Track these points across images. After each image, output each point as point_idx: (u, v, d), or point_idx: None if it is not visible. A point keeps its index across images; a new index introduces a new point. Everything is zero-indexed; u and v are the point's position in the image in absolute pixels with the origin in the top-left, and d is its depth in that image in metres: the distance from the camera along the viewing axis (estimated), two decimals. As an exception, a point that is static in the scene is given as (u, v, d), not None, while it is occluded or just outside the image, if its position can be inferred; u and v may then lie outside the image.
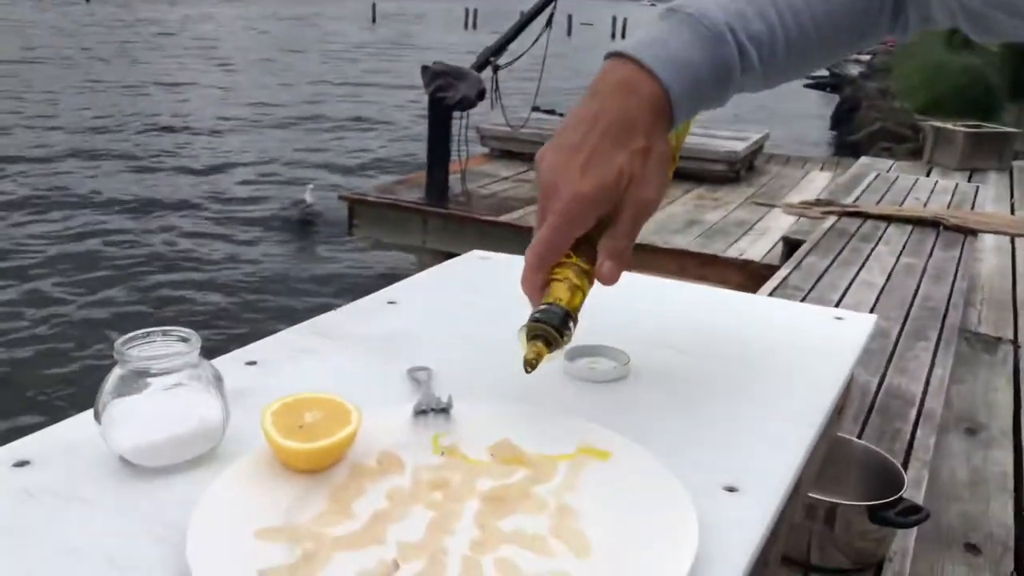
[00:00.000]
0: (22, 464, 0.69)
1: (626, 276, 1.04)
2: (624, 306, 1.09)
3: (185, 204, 6.91)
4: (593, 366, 0.89)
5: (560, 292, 0.74)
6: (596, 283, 0.77)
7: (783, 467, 0.72)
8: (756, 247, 5.45)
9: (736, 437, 0.77)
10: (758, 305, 1.15)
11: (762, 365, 0.92)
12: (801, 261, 3.86)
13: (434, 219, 6.11)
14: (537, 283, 0.75)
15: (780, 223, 5.81)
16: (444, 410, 0.75)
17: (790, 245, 4.86)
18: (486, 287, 1.15)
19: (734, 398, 0.85)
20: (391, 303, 1.08)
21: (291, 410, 0.67)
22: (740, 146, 7.30)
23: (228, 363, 0.89)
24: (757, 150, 7.89)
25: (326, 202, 7.03)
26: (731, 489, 0.69)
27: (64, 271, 5.53)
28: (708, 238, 5.62)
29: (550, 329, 0.72)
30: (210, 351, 0.75)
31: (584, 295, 0.76)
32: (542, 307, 0.73)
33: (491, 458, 0.70)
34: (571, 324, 0.74)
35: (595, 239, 0.76)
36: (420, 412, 0.74)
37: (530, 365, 0.72)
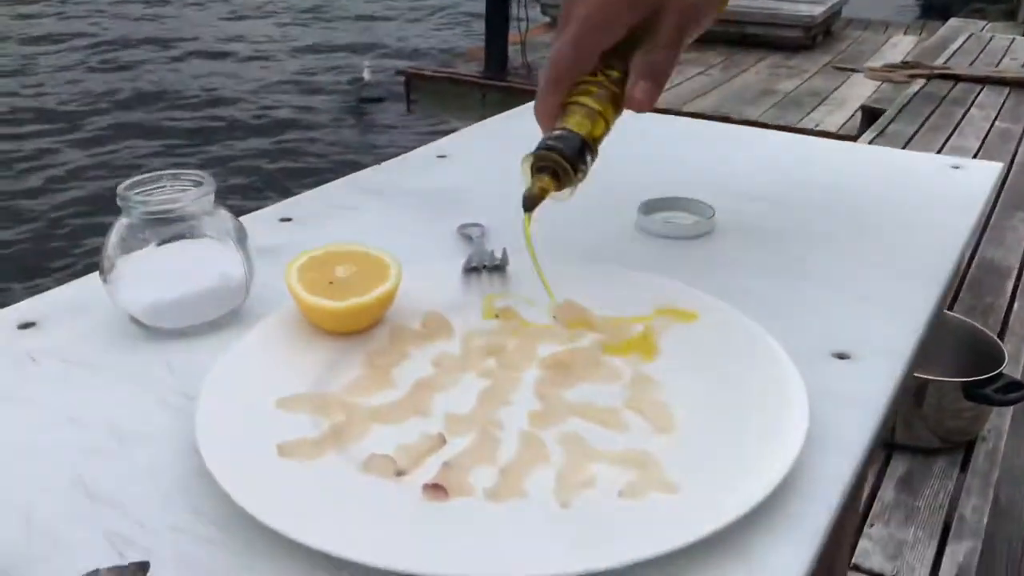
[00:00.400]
0: (27, 326, 0.61)
1: (707, 123, 0.88)
2: (706, 153, 0.97)
3: (238, 79, 6.78)
4: (672, 220, 0.77)
5: (577, 118, 0.59)
6: (629, 112, 0.63)
7: (905, 331, 0.60)
8: (833, 118, 5.14)
9: (845, 298, 0.65)
10: (860, 154, 1.00)
11: (871, 218, 0.79)
12: (884, 128, 3.61)
13: (493, 92, 5.90)
14: (552, 107, 0.61)
15: (859, 91, 5.46)
16: (499, 267, 0.64)
17: (869, 114, 4.57)
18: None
19: (840, 255, 0.72)
20: (441, 157, 0.97)
21: (321, 264, 0.58)
22: (817, 10, 6.82)
23: (260, 220, 0.80)
24: (835, 14, 7.37)
25: (384, 79, 6.85)
26: (842, 356, 0.58)
27: (97, 132, 5.34)
28: (782, 109, 5.32)
29: (561, 160, 0.58)
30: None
31: (608, 124, 0.61)
32: (554, 133, 0.59)
33: (554, 321, 0.59)
34: (588, 157, 0.60)
35: (627, 55, 0.61)
36: (471, 270, 0.64)
37: (531, 202, 0.58)
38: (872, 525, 1.43)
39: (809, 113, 5.24)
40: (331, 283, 0.56)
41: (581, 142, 0.59)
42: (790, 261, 0.71)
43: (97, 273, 0.60)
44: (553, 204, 0.60)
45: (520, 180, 0.60)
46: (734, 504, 0.41)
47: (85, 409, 0.52)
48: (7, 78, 6.31)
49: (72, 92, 6.07)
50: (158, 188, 0.59)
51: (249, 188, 4.23)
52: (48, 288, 0.66)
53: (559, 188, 0.59)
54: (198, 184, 0.59)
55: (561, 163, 0.58)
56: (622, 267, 0.65)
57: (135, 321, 0.59)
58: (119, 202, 0.58)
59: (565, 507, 0.42)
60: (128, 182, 0.59)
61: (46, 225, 4.02)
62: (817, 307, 0.64)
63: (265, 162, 4.73)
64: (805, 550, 0.41)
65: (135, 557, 0.41)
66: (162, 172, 0.60)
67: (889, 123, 3.69)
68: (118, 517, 0.44)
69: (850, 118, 5.03)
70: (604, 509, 0.42)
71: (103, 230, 0.59)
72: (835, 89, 5.68)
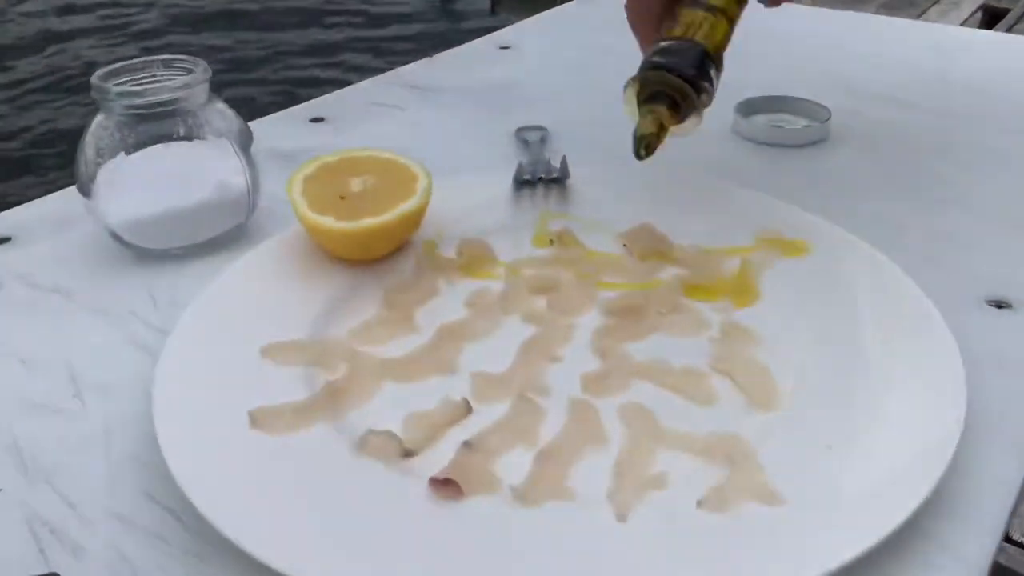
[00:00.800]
0: (1, 242, 0.52)
1: (819, 10, 0.73)
2: (819, 43, 0.81)
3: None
4: (777, 124, 0.63)
5: (691, 19, 0.43)
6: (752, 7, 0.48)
7: (1090, 274, 0.46)
8: (949, 19, 4.72)
9: (1000, 228, 0.51)
10: (1014, 46, 0.82)
11: (1032, 124, 0.63)
12: (1011, 29, 3.26)
13: (581, -8, 5.61)
14: (653, 6, 0.45)
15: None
16: (557, 180, 0.52)
17: (991, 15, 4.16)
18: (627, 28, 0.88)
19: (992, 172, 0.57)
20: (504, 48, 0.83)
21: (333, 174, 0.46)
22: None
23: (288, 120, 0.69)
24: (959, -98, 6.74)
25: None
26: (1000, 304, 0.44)
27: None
28: (891, 9, 4.91)
29: (679, 81, 0.42)
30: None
31: (731, 24, 0.45)
32: (662, 46, 0.43)
33: (623, 250, 0.47)
34: (712, 72, 0.43)
35: None
36: (523, 182, 0.52)
37: (646, 143, 0.42)
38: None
39: (923, 13, 4.83)
40: (343, 198, 0.45)
41: (701, 54, 0.43)
42: (926, 179, 0.56)
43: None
44: (620, 108, 0.46)
45: (622, 109, 0.45)
46: (864, 526, 0.29)
47: (43, 348, 0.43)
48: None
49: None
50: (142, 78, 0.48)
51: (300, 86, 3.90)
52: (31, 199, 0.57)
53: (679, 120, 0.43)
54: (189, 72, 0.48)
55: (680, 85, 0.42)
56: (713, 180, 0.51)
57: (117, 239, 0.49)
58: (95, 95, 0.47)
59: (622, 520, 0.30)
60: (104, 70, 0.48)
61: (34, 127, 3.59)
62: (964, 239, 0.50)
63: (326, 58, 4.44)
64: (967, 597, 0.29)
65: (58, 556, 0.32)
66: (148, 59, 0.49)
67: (1015, 24, 3.33)
68: (50, 498, 0.34)
69: (969, 18, 4.61)
70: (677, 526, 0.30)
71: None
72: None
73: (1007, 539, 1.17)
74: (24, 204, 0.56)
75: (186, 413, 0.35)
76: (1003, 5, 4.16)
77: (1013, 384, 0.38)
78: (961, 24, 4.57)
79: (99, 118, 0.48)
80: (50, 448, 0.37)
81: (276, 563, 0.28)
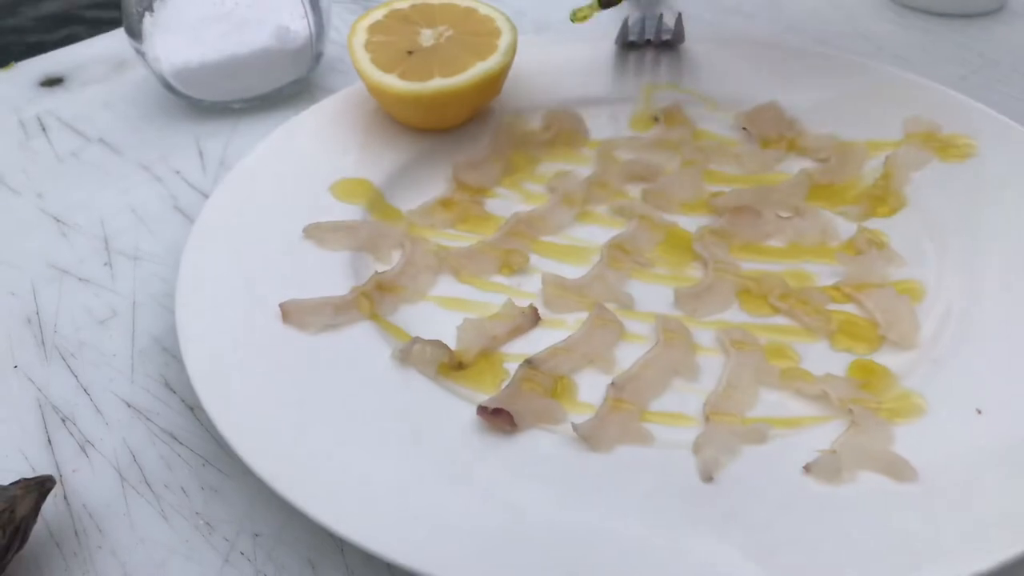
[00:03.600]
0: (53, 82, 0.48)
1: None
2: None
3: None
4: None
5: None
6: None
7: None
8: None
9: None
10: None
11: None
12: None
13: None
14: None
15: None
16: (668, 43, 0.43)
17: None
18: None
19: None
20: None
21: (402, 22, 0.39)
22: None
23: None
24: None
25: None
26: None
27: None
28: None
29: None
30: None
31: None
32: None
33: (743, 134, 0.39)
34: None
35: None
36: (628, 44, 0.44)
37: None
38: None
39: None
40: (411, 53, 0.38)
41: None
42: None
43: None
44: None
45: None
46: (1013, 527, 0.22)
47: (79, 207, 0.39)
48: None
49: None
50: None
51: None
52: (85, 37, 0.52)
53: None
54: None
55: None
56: (860, 57, 0.42)
57: (168, 87, 0.44)
58: None
59: (708, 479, 0.24)
60: None
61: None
62: None
63: None
64: None
65: (67, 446, 0.28)
66: None
67: None
68: (66, 380, 0.31)
69: None
70: (775, 494, 0.24)
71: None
72: None
73: None
74: (79, 43, 0.52)
75: (211, 298, 0.30)
76: None
77: None
78: None
79: None
80: (71, 322, 0.33)
81: (286, 491, 0.24)
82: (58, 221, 0.38)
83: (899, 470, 0.24)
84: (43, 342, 0.32)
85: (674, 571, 0.22)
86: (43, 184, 0.40)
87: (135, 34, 0.43)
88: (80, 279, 0.35)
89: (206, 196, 0.39)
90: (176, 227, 0.37)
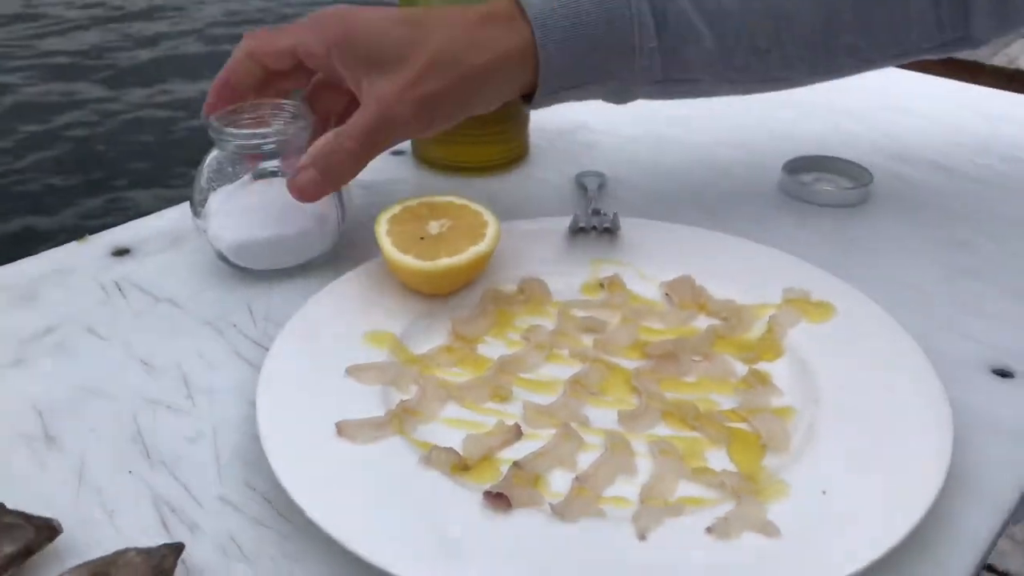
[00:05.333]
0: (122, 253, 0.60)
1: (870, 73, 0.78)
2: (866, 104, 0.85)
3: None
4: (821, 184, 0.68)
5: None
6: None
7: (1090, 351, 0.50)
8: (1030, 54, 4.63)
9: (1017, 299, 0.55)
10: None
11: (1063, 200, 0.67)
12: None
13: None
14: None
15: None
16: (608, 230, 0.58)
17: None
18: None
19: (1020, 242, 0.62)
20: (572, 91, 0.89)
21: (415, 216, 0.53)
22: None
23: (372, 151, 0.76)
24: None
25: None
26: (1004, 373, 0.49)
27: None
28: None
29: None
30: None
31: None
32: None
33: (665, 299, 0.53)
34: None
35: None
36: (578, 230, 0.58)
37: None
38: (1015, 524, 1.30)
39: (1004, 48, 4.74)
40: (422, 239, 0.51)
41: None
42: (956, 246, 0.61)
43: (186, 205, 0.58)
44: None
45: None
46: (844, 561, 0.34)
47: (160, 352, 0.50)
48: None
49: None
50: (252, 119, 0.56)
51: None
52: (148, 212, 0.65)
53: None
54: (295, 117, 0.55)
55: None
56: (751, 241, 0.57)
57: (223, 259, 0.56)
58: (211, 134, 0.54)
59: (642, 538, 0.36)
60: (222, 112, 0.55)
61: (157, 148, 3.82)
62: (981, 309, 0.54)
63: None
64: (928, 630, 0.34)
65: (179, 530, 0.39)
66: (260, 102, 0.57)
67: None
68: (169, 482, 0.41)
69: (1050, 56, 4.51)
70: (687, 546, 0.36)
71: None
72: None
73: (988, 568, 1.20)
74: (142, 218, 0.64)
75: (283, 419, 0.42)
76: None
77: (1002, 449, 0.43)
78: (1041, 62, 4.48)
79: (214, 152, 0.55)
80: (167, 440, 0.44)
81: (353, 545, 0.34)
82: (144, 363, 0.49)
83: (769, 530, 0.36)
84: (148, 455, 0.43)
85: (620, 596, 0.33)
86: (127, 335, 0.52)
87: (198, 215, 0.56)
88: (169, 407, 0.46)
89: (259, 344, 0.50)
90: (239, 369, 0.49)
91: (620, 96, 0.59)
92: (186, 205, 0.64)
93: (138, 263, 0.59)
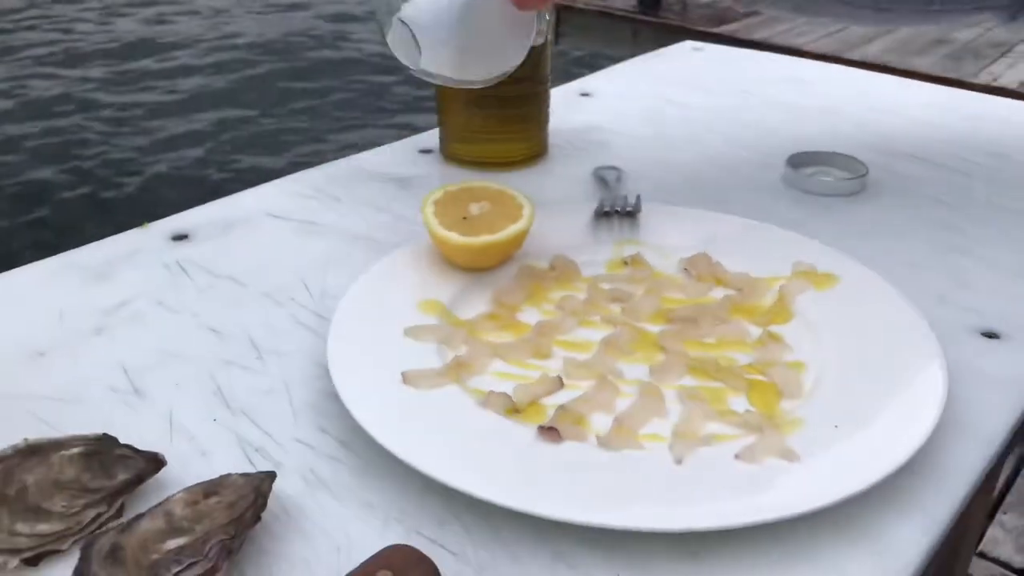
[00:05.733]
0: (180, 238, 0.65)
1: (861, 72, 0.83)
2: (864, 106, 0.91)
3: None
4: (820, 176, 0.74)
5: None
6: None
7: (1068, 314, 0.56)
8: (1015, 72, 4.74)
9: (1001, 274, 0.61)
10: (1038, 117, 0.92)
11: (1042, 188, 0.73)
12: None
13: (645, 29, 5.74)
14: None
15: (1048, 45, 5.01)
16: (630, 213, 0.63)
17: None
18: (698, 81, 1.00)
19: (1002, 227, 0.67)
20: (584, 95, 0.95)
21: (456, 199, 0.58)
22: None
23: (400, 150, 0.81)
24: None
25: (534, 10, 6.76)
26: (991, 335, 0.54)
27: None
28: (955, 60, 4.94)
29: None
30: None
31: None
32: None
33: (684, 274, 0.58)
34: None
35: None
36: (603, 214, 0.63)
37: None
38: (1006, 513, 1.35)
39: (988, 66, 4.86)
40: (465, 219, 0.56)
41: None
42: (945, 229, 0.67)
43: (242, 192, 0.63)
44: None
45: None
46: (854, 480, 0.39)
47: (227, 322, 0.55)
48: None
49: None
50: None
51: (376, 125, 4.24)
52: (199, 203, 0.70)
53: None
54: None
55: None
56: (762, 222, 0.62)
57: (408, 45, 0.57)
58: None
59: (679, 463, 0.41)
60: None
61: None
62: (969, 281, 0.60)
63: (398, 99, 4.72)
64: (926, 537, 0.39)
65: (264, 466, 0.43)
66: None
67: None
68: (251, 427, 0.46)
69: (1033, 72, 4.63)
70: (719, 469, 0.41)
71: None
72: (1021, 41, 5.22)
73: (979, 554, 1.25)
74: (196, 207, 0.69)
75: (353, 371, 0.47)
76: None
77: (989, 398, 0.49)
78: (1025, 77, 4.58)
79: None
80: (245, 394, 0.49)
81: (423, 466, 0.39)
82: (214, 331, 0.54)
83: (789, 455, 0.41)
84: (229, 406, 0.48)
85: (661, 502, 0.39)
86: (195, 307, 0.57)
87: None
88: (243, 367, 0.51)
89: (318, 315, 0.55)
90: (302, 336, 0.54)
91: None
92: (233, 196, 0.69)
93: (195, 246, 0.64)
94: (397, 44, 0.57)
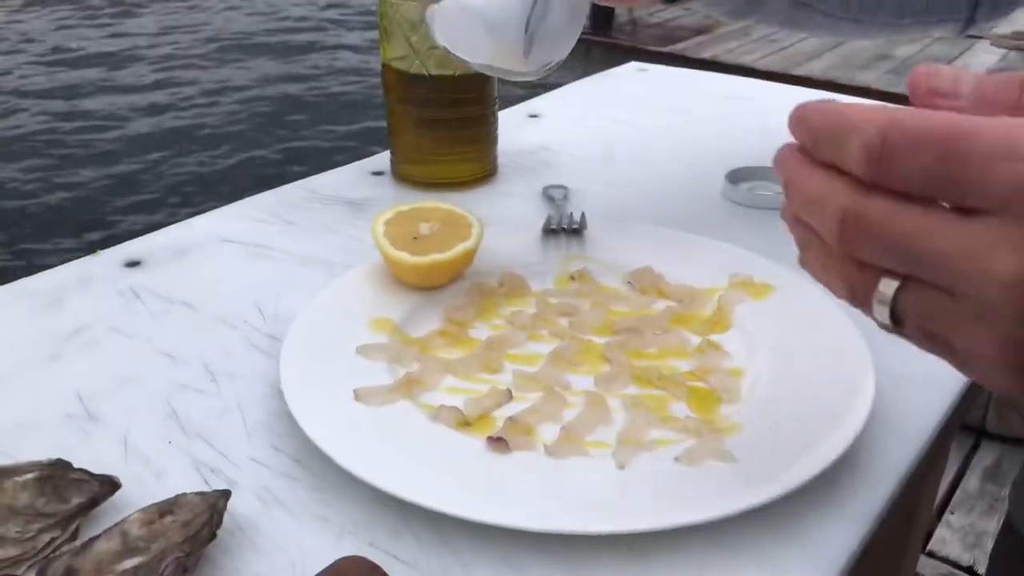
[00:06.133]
0: (133, 264, 0.66)
1: (801, 91, 0.87)
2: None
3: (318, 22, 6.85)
4: (758, 190, 0.76)
5: None
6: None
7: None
8: (953, 85, 4.87)
9: (930, 279, 0.64)
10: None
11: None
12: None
13: (597, 48, 5.82)
14: None
15: (982, 60, 5.18)
16: (576, 230, 0.65)
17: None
18: (643, 101, 1.02)
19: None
20: (533, 116, 0.98)
21: (407, 219, 0.60)
22: (945, -30, 6.45)
23: (353, 172, 0.83)
24: (965, -25, 6.96)
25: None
26: (919, 339, 0.57)
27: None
28: (898, 75, 5.08)
29: None
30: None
31: None
32: None
33: (628, 287, 0.60)
34: None
35: None
36: (550, 231, 0.65)
37: None
38: (952, 513, 1.39)
39: (929, 80, 4.98)
40: (415, 239, 0.58)
41: None
42: (877, 238, 0.70)
43: (192, 219, 0.64)
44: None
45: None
46: (789, 478, 0.41)
47: (181, 346, 0.56)
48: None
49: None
50: None
51: (341, 151, 4.26)
52: (151, 230, 0.70)
53: None
54: None
55: None
56: (700, 236, 0.65)
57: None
58: None
59: (622, 468, 0.43)
60: None
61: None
62: (900, 287, 0.63)
63: (348, 128, 4.74)
64: (857, 532, 0.41)
65: (219, 486, 0.44)
66: None
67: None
68: (205, 448, 0.47)
69: (972, 86, 4.76)
70: (660, 473, 0.43)
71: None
72: (957, 56, 5.39)
73: (928, 554, 1.29)
74: (148, 234, 0.70)
75: (306, 390, 0.48)
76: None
77: (918, 396, 0.51)
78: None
79: None
80: (199, 416, 0.50)
81: (376, 481, 0.41)
82: (168, 356, 0.55)
83: (727, 457, 0.43)
84: (183, 428, 0.49)
85: (607, 506, 0.40)
86: (149, 332, 0.58)
87: None
88: (197, 391, 0.52)
89: (271, 337, 0.56)
90: (256, 358, 0.55)
91: (750, 8, 0.67)
92: (187, 221, 0.70)
93: (148, 273, 0.65)
94: (455, 37, 0.57)
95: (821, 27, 0.71)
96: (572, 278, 0.61)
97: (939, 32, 0.73)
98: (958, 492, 1.44)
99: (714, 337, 0.54)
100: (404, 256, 0.57)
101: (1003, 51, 5.09)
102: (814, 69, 4.88)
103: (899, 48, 5.52)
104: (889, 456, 0.47)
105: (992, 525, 1.38)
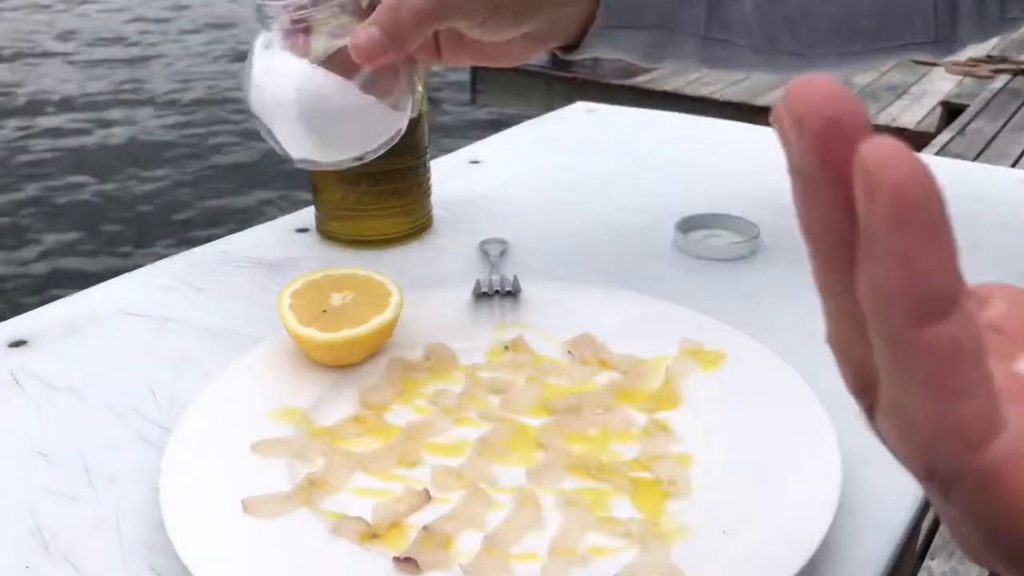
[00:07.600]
0: (18, 344, 0.59)
1: (758, 129, 0.82)
2: (754, 163, 0.90)
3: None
4: (710, 240, 0.71)
5: None
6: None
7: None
8: (910, 113, 4.92)
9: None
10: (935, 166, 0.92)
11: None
12: (965, 127, 3.45)
13: (558, 83, 5.83)
14: None
15: (938, 86, 5.23)
16: (510, 293, 0.59)
17: (950, 110, 4.37)
18: (590, 144, 0.97)
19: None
20: (474, 163, 0.92)
21: (317, 289, 0.54)
22: (898, 0, 6.55)
23: (275, 230, 0.76)
24: (917, 4, 7.07)
25: (448, 68, 6.83)
26: (888, 408, 0.51)
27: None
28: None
29: None
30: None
31: None
32: None
33: (567, 356, 0.54)
34: None
35: None
36: (481, 295, 0.59)
37: None
38: (933, 558, 1.34)
39: (886, 108, 5.04)
40: (325, 311, 0.52)
41: None
42: (839, 291, 0.64)
43: (87, 289, 0.57)
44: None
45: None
46: (746, 597, 0.35)
47: (59, 441, 0.49)
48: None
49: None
50: None
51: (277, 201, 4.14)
52: (40, 305, 0.64)
53: None
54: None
55: None
56: (647, 295, 0.59)
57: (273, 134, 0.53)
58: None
59: (552, 591, 0.37)
60: None
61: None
62: (865, 347, 0.57)
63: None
64: (827, 656, 0.35)
65: (78, 623, 0.37)
66: None
67: (970, 121, 3.52)
68: (69, 570, 0.40)
69: (928, 114, 4.82)
70: (596, 595, 0.36)
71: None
72: (914, 83, 5.45)
73: None
74: (36, 310, 0.63)
75: (188, 500, 0.41)
76: (961, 102, 4.38)
77: (893, 480, 0.45)
78: (922, 118, 4.78)
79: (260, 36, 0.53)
80: (68, 531, 0.43)
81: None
82: (42, 455, 0.48)
83: (673, 573, 0.37)
84: (47, 548, 0.42)
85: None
86: (24, 426, 0.51)
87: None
88: (70, 497, 0.45)
89: (164, 428, 0.50)
90: (143, 454, 0.48)
91: (659, 51, 0.62)
92: (80, 293, 0.63)
93: (34, 353, 0.58)
94: (268, 137, 0.53)
95: (752, 64, 0.66)
96: (506, 348, 0.55)
97: (919, 56, 0.68)
98: (937, 536, 1.39)
99: (661, 415, 0.49)
100: (312, 333, 0.50)
101: (959, 77, 5.16)
102: (774, 98, 4.90)
103: (855, 77, 5.58)
104: (864, 549, 0.41)
105: (974, 569, 1.33)
